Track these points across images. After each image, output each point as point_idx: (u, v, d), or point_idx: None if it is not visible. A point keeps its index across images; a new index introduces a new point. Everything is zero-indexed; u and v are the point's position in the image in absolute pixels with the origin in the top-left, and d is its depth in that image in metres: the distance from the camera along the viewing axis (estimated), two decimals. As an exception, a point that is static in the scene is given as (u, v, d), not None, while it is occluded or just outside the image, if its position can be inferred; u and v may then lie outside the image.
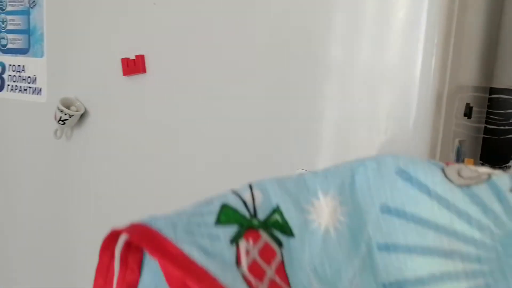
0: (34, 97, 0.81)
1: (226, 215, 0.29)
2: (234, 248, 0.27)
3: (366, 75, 0.54)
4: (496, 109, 1.10)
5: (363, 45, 0.54)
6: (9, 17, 0.82)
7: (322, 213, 0.29)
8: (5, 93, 0.85)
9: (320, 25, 0.55)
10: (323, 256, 0.28)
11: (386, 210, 0.27)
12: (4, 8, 0.82)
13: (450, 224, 0.25)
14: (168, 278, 0.27)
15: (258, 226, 0.29)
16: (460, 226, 0.24)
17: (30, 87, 0.81)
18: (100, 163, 0.76)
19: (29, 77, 0.81)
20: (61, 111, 0.72)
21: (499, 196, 0.25)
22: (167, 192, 0.69)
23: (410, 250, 0.25)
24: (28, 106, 0.82)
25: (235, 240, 0.28)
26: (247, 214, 0.29)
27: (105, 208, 0.76)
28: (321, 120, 0.56)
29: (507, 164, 1.10)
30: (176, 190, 0.69)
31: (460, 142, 0.77)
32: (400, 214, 0.26)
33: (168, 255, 0.25)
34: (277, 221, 0.29)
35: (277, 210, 0.30)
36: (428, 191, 0.26)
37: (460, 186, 0.25)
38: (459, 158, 0.78)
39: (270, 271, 0.28)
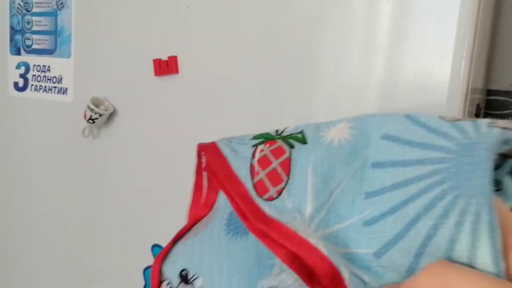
0: (60, 96, 0.82)
1: (259, 134, 0.40)
2: (253, 149, 0.38)
3: (404, 82, 0.57)
4: (493, 111, 1.15)
5: (407, 56, 0.57)
6: (35, 18, 0.83)
7: (333, 131, 0.36)
8: (28, 92, 0.86)
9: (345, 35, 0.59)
10: (323, 158, 0.34)
11: (386, 137, 0.33)
12: (30, 9, 0.83)
13: (431, 141, 0.31)
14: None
15: (278, 138, 0.38)
16: (437, 140, 0.31)
17: (55, 87, 0.82)
18: (126, 163, 0.78)
19: (54, 77, 0.82)
20: (92, 110, 0.74)
21: (476, 125, 0.31)
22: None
23: (394, 164, 0.31)
24: (53, 105, 0.83)
25: (256, 145, 0.38)
26: (274, 133, 0.39)
27: (130, 208, 0.78)
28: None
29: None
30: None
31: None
32: (395, 139, 0.33)
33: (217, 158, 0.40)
34: (296, 136, 0.37)
35: (300, 132, 0.38)
36: (423, 125, 0.33)
37: (449, 120, 0.33)
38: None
39: (275, 163, 0.36)
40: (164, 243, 0.75)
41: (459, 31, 0.55)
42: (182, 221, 0.72)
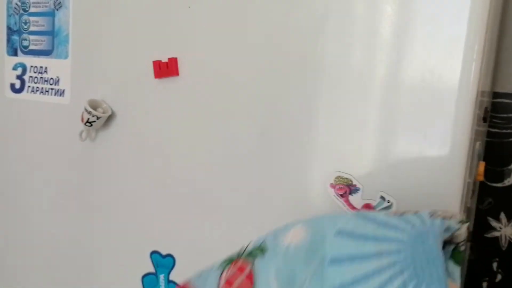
0: (57, 98, 0.80)
1: (224, 260, 0.45)
2: (219, 272, 0.43)
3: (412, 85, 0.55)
4: (499, 113, 1.13)
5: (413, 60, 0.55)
6: (32, 18, 0.81)
7: (289, 235, 0.40)
8: (25, 94, 0.84)
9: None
10: (285, 263, 0.38)
11: (340, 233, 0.36)
12: (27, 9, 0.81)
13: (383, 234, 0.34)
14: None
15: (242, 256, 0.42)
16: (389, 233, 0.34)
17: (52, 89, 0.80)
18: (125, 167, 0.76)
19: (51, 78, 0.80)
20: (89, 112, 0.72)
21: (420, 217, 0.36)
22: (196, 198, 0.70)
23: (352, 259, 0.33)
24: (49, 107, 0.82)
25: (222, 269, 0.43)
26: (237, 254, 0.44)
27: (128, 212, 0.77)
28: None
29: (509, 167, 1.14)
30: (204, 195, 0.69)
31: (479, 145, 0.80)
32: (349, 234, 0.35)
33: None
34: (257, 248, 0.42)
35: (261, 242, 0.42)
36: (373, 220, 0.37)
37: (395, 214, 0.38)
38: (478, 160, 0.80)
39: (241, 277, 0.39)
40: (163, 249, 0.73)
41: (469, 33, 0.53)
42: (180, 226, 0.71)
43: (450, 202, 0.55)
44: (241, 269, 0.41)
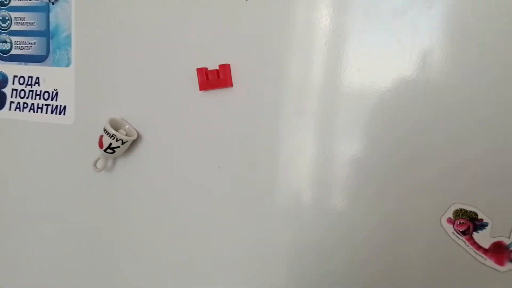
0: (55, 117, 0.62)
1: None
2: None
3: None
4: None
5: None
6: (14, 14, 0.62)
7: None
8: (6, 112, 0.65)
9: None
10: None
11: None
12: (6, 2, 0.62)
13: None
14: None
15: None
16: None
17: (48, 105, 0.63)
18: (151, 203, 0.60)
19: (46, 91, 0.62)
20: (112, 136, 0.56)
21: None
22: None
23: None
24: (45, 129, 0.63)
25: None
26: None
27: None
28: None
29: None
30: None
31: None
32: None
33: None
34: None
35: None
36: None
37: None
38: None
39: None
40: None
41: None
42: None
43: None
44: None
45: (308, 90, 0.51)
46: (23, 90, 0.63)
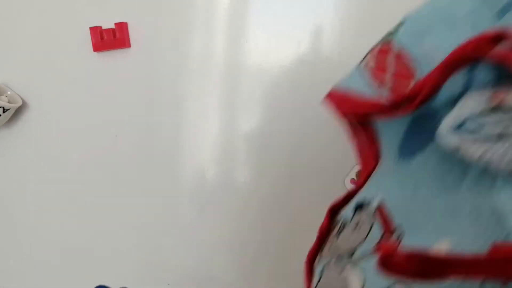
0: None
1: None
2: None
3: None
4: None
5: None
6: None
7: None
8: None
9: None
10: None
11: None
12: None
13: None
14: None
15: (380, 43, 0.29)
16: None
17: None
18: (38, 175, 0.54)
19: None
20: (-11, 102, 0.49)
21: None
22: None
23: None
24: None
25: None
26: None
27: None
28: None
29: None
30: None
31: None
32: None
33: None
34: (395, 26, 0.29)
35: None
36: None
37: None
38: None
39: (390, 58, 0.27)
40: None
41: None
42: (112, 229, 0.51)
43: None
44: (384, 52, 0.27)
45: (210, 54, 0.49)
46: None
